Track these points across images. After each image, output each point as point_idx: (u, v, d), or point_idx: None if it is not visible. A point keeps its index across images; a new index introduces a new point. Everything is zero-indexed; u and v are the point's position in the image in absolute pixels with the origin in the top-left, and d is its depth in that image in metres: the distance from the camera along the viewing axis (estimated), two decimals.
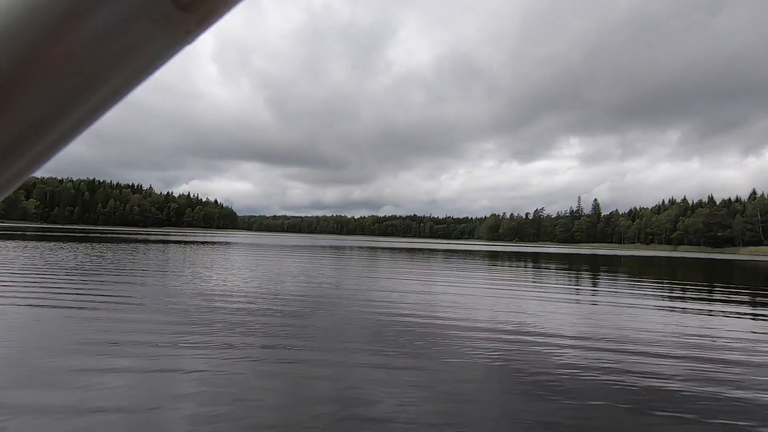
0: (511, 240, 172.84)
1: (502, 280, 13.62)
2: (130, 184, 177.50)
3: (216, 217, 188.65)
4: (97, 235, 42.20)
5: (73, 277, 9.84)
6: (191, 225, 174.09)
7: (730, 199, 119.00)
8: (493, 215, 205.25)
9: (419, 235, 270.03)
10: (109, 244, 24.09)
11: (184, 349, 4.51)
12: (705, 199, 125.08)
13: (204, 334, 5.18)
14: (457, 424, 3.01)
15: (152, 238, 39.70)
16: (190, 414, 2.97)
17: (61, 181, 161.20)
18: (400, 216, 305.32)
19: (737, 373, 4.45)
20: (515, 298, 9.39)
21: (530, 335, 5.80)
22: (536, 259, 30.06)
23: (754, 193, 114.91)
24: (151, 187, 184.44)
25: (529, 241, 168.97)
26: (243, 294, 8.45)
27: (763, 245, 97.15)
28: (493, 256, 31.05)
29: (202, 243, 33.62)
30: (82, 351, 4.30)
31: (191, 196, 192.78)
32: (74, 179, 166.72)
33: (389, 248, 40.11)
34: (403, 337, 5.40)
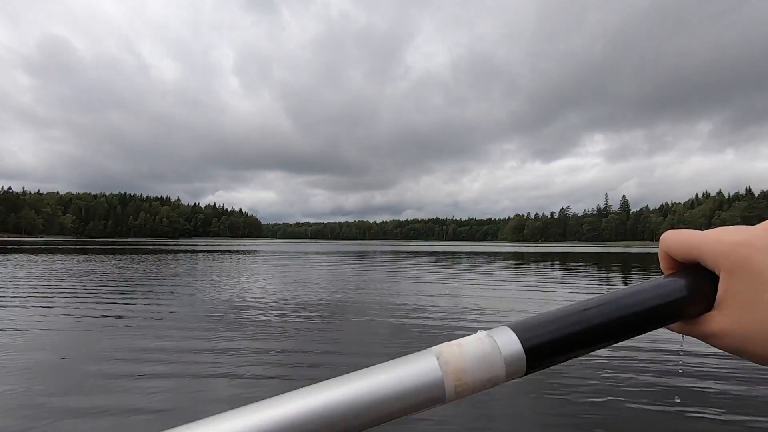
0: (536, 240, 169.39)
1: (529, 281, 13.19)
2: (159, 197, 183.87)
3: (241, 226, 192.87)
4: (129, 246, 43.62)
5: (109, 288, 10.14)
6: (217, 234, 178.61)
7: None
8: (517, 215, 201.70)
9: (442, 237, 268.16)
10: (141, 255, 24.79)
11: (217, 354, 4.60)
12: (742, 192, 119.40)
13: (236, 339, 5.32)
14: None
15: (181, 248, 40.71)
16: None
17: (95, 196, 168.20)
18: (422, 219, 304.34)
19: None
20: (545, 300, 9.06)
21: None
22: (564, 258, 29.19)
23: None
24: (179, 199, 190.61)
25: (556, 240, 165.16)
26: (271, 301, 8.47)
27: None
28: (519, 257, 30.35)
29: (229, 252, 34.24)
30: (123, 359, 4.49)
31: (217, 206, 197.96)
32: (107, 194, 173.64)
33: (412, 252, 39.84)
34: (428, 341, 5.26)
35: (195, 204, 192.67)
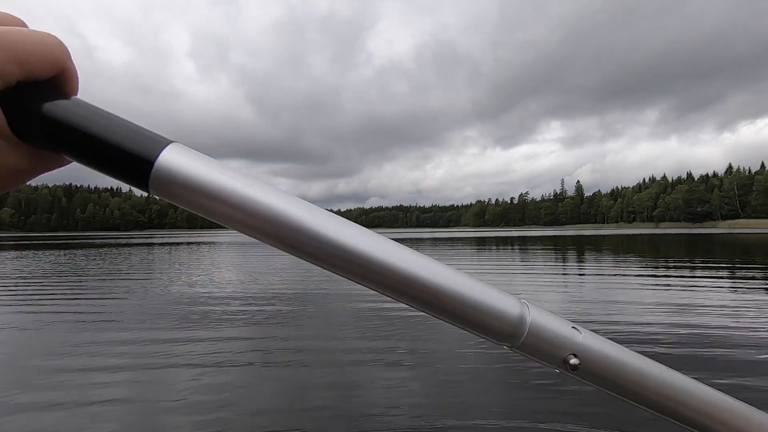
0: (497, 225, 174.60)
1: (491, 263, 13.50)
2: (109, 188, 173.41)
3: (200, 217, 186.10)
4: (77, 241, 41.00)
5: (54, 284, 9.47)
6: (175, 226, 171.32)
7: (707, 175, 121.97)
8: (479, 202, 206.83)
9: (406, 225, 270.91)
10: (90, 250, 23.31)
11: (176, 345, 4.46)
12: (684, 176, 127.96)
13: (196, 330, 5.20)
14: (452, 411, 3.00)
15: (134, 241, 38.73)
16: (184, 413, 2.96)
17: (36, 188, 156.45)
18: (387, 207, 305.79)
19: (722, 335, 4.83)
20: (507, 281, 9.28)
21: None
22: (523, 242, 30.21)
23: (730, 167, 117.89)
24: (130, 190, 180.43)
25: (515, 225, 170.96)
26: (232, 291, 8.16)
27: (740, 218, 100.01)
28: (481, 242, 31.10)
29: (186, 244, 32.89)
30: (74, 354, 4.33)
31: None
32: (50, 185, 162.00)
33: None
34: (396, 326, 5.30)
35: (149, 195, 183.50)
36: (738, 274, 10.55)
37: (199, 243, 34.55)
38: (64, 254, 19.97)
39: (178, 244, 32.94)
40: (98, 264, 14.53)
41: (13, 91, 0.23)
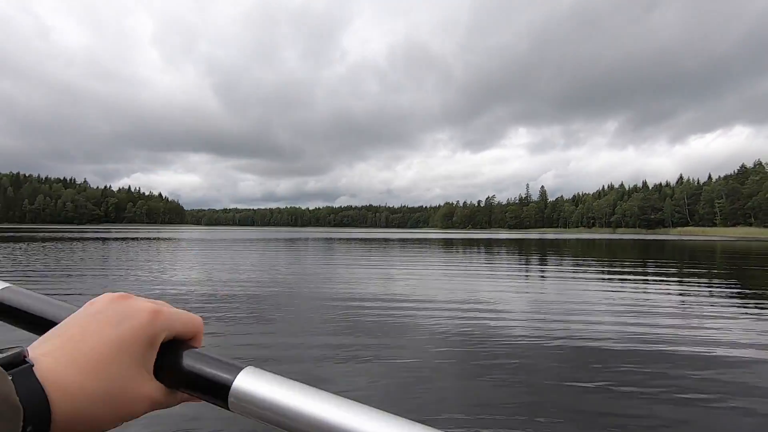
0: (464, 227, 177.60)
1: (457, 265, 13.48)
2: (62, 178, 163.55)
3: (161, 212, 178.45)
4: (23, 234, 38.24)
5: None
6: (133, 221, 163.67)
7: (660, 184, 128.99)
8: (447, 203, 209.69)
9: (375, 224, 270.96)
10: (38, 243, 21.65)
11: None
12: (640, 185, 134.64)
13: None
14: (417, 399, 3.13)
15: (87, 235, 36.52)
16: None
17: None
18: (356, 206, 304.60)
19: (670, 332, 5.20)
20: (470, 281, 9.24)
21: (485, 312, 6.21)
22: (489, 244, 30.67)
23: (681, 178, 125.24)
24: (85, 181, 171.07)
25: (482, 227, 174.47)
26: (194, 292, 7.69)
27: (689, 225, 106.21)
28: (448, 244, 31.32)
29: (144, 239, 31.30)
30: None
31: (132, 190, 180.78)
32: None
33: (345, 239, 39.48)
34: (364, 323, 5.32)
35: (106, 187, 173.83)
36: (684, 276, 11.03)
37: (158, 239, 32.97)
38: (4, 248, 18.43)
39: (135, 239, 31.30)
40: (43, 259, 13.44)
41: (161, 346, 0.33)
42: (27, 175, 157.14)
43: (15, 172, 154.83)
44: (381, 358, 4.06)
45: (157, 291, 7.84)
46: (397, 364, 3.94)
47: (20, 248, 18.55)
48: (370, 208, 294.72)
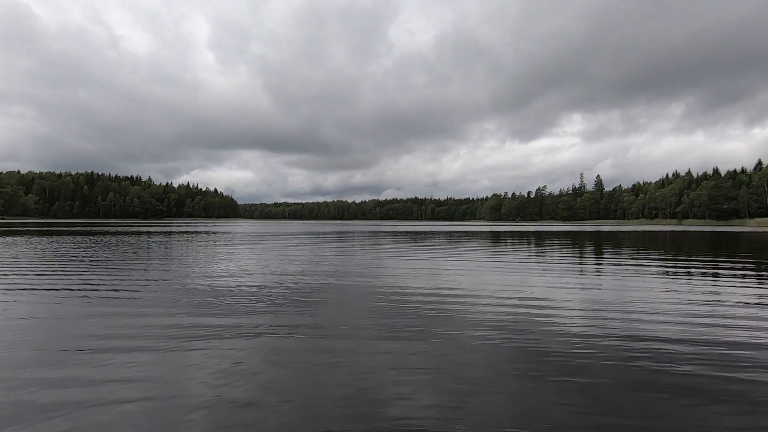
0: (513, 219, 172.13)
1: (507, 259, 12.94)
2: (129, 176, 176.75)
3: (217, 206, 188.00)
4: (98, 228, 41.74)
5: (82, 269, 9.60)
6: (192, 215, 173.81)
7: (735, 171, 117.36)
8: (495, 195, 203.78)
9: (421, 217, 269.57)
10: (113, 237, 23.51)
11: (195, 340, 4.40)
12: (710, 172, 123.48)
13: (217, 318, 5.27)
14: (467, 400, 3.05)
15: (153, 229, 39.19)
16: (207, 399, 3.01)
17: (59, 176, 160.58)
18: (402, 199, 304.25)
19: (743, 334, 4.69)
20: (521, 276, 8.79)
21: (537, 309, 5.85)
22: (540, 237, 29.39)
23: (759, 163, 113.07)
24: (150, 179, 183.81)
25: (532, 220, 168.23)
26: (251, 281, 8.07)
27: None
28: (497, 236, 30.38)
29: (204, 233, 33.07)
30: (103, 336, 4.47)
31: (191, 186, 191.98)
32: (72, 173, 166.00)
33: (391, 231, 39.49)
34: (413, 317, 5.28)
35: (168, 183, 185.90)
36: (763, 272, 9.84)
37: (215, 232, 34.70)
38: (87, 240, 20.12)
39: (196, 232, 33.13)
40: (122, 250, 14.49)
41: None
42: (100, 174, 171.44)
43: (89, 171, 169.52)
44: (432, 362, 3.84)
45: (227, 281, 8.10)
46: (445, 359, 3.81)
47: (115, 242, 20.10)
48: (415, 201, 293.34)
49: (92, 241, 19.78)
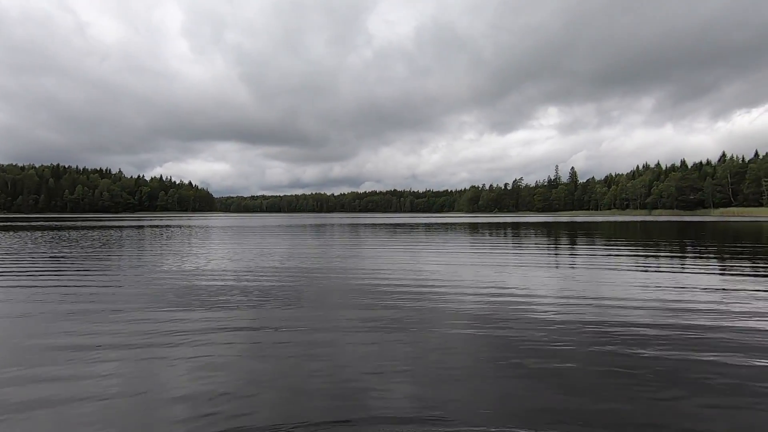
0: (490, 211, 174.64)
1: (485, 250, 13.10)
2: (98, 169, 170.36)
3: (191, 199, 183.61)
4: (65, 223, 40.11)
5: (48, 266, 9.09)
6: (165, 209, 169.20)
7: (701, 163, 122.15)
8: (473, 187, 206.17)
9: (400, 209, 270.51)
10: (80, 231, 22.60)
11: (176, 335, 4.29)
12: (678, 164, 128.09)
13: (193, 313, 5.14)
14: (446, 386, 3.08)
15: (125, 224, 37.94)
16: (186, 392, 2.96)
17: (22, 168, 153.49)
18: (381, 191, 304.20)
19: (710, 318, 4.87)
20: (499, 267, 8.89)
21: (514, 298, 5.90)
22: (516, 228, 29.91)
23: (723, 156, 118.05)
24: (120, 171, 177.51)
25: (509, 211, 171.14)
26: (228, 276, 7.88)
27: (732, 206, 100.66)
28: (474, 228, 30.74)
29: (177, 227, 32.21)
30: (71, 332, 4.36)
31: (164, 179, 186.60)
32: (37, 165, 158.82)
33: (370, 224, 39.43)
34: (393, 309, 5.22)
35: (139, 176, 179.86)
36: (726, 258, 10.29)
37: (189, 226, 33.86)
38: (51, 236, 19.27)
39: (167, 226, 32.24)
40: (88, 245, 13.92)
41: None
42: (66, 166, 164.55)
43: (55, 164, 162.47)
44: (408, 344, 3.95)
45: (196, 275, 7.88)
46: (425, 349, 3.83)
47: (68, 236, 19.31)
48: (394, 193, 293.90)
49: (58, 237, 18.98)
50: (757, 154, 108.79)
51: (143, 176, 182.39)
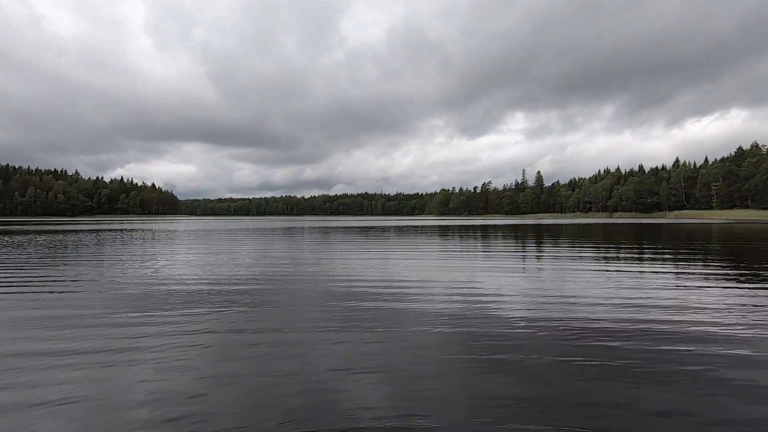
0: (460, 214, 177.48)
1: (455, 251, 13.28)
2: (53, 170, 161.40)
3: (155, 202, 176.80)
4: (14, 227, 37.75)
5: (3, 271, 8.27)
6: (126, 212, 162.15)
7: (657, 168, 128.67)
8: (443, 190, 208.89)
9: (371, 212, 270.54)
10: (31, 236, 21.27)
11: (138, 338, 4.14)
12: (636, 168, 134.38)
13: (156, 321, 4.85)
14: (417, 385, 3.05)
15: (81, 227, 36.10)
16: (151, 395, 2.88)
17: None
18: (352, 194, 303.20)
19: (665, 311, 5.14)
20: (468, 267, 9.05)
21: (483, 297, 5.98)
22: (486, 230, 30.52)
23: (677, 161, 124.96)
24: (77, 172, 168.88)
25: (478, 214, 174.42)
26: (191, 279, 7.63)
27: (685, 209, 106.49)
28: (444, 230, 31.13)
29: (130, 230, 30.93)
30: (31, 338, 4.17)
31: (125, 180, 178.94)
32: None
33: (341, 227, 39.21)
34: (364, 311, 5.17)
35: (98, 178, 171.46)
36: (679, 258, 10.89)
37: (149, 230, 32.60)
38: (4, 241, 18.05)
39: (122, 230, 30.91)
40: (41, 251, 13.10)
41: None
42: (17, 167, 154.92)
43: (4, 164, 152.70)
44: (379, 342, 3.96)
45: (156, 284, 7.57)
46: (396, 348, 3.82)
47: (12, 242, 18.18)
48: (366, 196, 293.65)
49: (18, 242, 17.84)
50: (707, 160, 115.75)
51: (102, 178, 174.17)
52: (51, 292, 6.53)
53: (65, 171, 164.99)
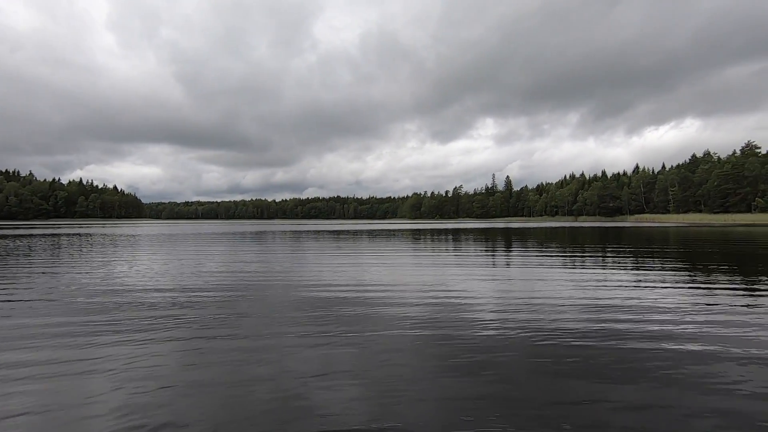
0: (432, 217, 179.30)
1: (426, 255, 13.40)
2: (3, 170, 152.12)
3: (116, 205, 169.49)
4: None
5: None
6: (86, 215, 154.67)
7: (618, 174, 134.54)
8: (415, 194, 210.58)
9: (343, 216, 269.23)
10: None
11: (99, 347, 3.97)
12: (599, 174, 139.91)
13: (118, 329, 4.63)
14: (390, 390, 3.04)
15: (35, 232, 34.15)
16: (114, 404, 2.79)
17: None
18: (324, 198, 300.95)
19: (627, 311, 5.38)
20: (440, 271, 9.16)
21: (455, 300, 6.08)
22: (457, 234, 30.95)
23: (637, 167, 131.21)
24: (31, 173, 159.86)
25: (450, 217, 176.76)
26: (153, 287, 7.28)
27: (645, 213, 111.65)
28: (417, 234, 31.37)
29: (87, 235, 29.55)
30: None
31: (84, 182, 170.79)
32: None
33: (313, 231, 38.82)
34: (336, 316, 5.12)
35: (54, 179, 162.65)
36: (640, 259, 11.41)
37: (112, 234, 31.23)
38: None
39: (89, 234, 29.47)
40: None
41: None
42: None
43: None
44: (352, 347, 3.95)
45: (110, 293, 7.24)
46: (369, 356, 3.80)
47: None
48: (338, 200, 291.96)
49: None
50: (664, 166, 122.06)
51: (59, 179, 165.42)
52: (1, 301, 6.13)
53: (18, 172, 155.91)
